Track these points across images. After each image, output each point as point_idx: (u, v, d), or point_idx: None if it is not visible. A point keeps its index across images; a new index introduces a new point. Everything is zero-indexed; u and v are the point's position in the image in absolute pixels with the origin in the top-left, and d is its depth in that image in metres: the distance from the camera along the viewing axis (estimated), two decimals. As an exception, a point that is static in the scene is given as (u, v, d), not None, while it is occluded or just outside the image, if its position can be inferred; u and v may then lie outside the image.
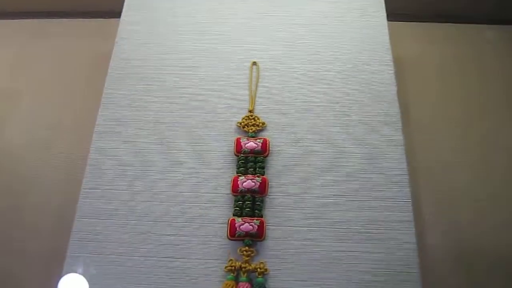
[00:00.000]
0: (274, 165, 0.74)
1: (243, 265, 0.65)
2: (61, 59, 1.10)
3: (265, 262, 0.66)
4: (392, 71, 0.83)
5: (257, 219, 0.68)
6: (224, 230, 0.68)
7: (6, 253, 0.87)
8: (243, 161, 0.73)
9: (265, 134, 0.77)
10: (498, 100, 0.96)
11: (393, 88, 0.81)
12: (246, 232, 0.66)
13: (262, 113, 0.79)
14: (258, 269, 0.65)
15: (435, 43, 1.04)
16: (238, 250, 0.66)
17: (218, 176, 0.73)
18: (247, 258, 0.65)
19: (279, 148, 0.75)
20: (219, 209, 0.70)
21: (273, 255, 0.67)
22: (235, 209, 0.69)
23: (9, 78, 1.08)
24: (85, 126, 0.93)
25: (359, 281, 0.65)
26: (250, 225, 0.67)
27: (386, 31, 0.87)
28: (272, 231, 0.68)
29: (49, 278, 0.71)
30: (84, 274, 0.66)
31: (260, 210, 0.69)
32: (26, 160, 0.97)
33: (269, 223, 0.69)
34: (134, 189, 0.72)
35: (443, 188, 0.87)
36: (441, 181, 0.88)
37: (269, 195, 0.71)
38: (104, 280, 0.65)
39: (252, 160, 0.72)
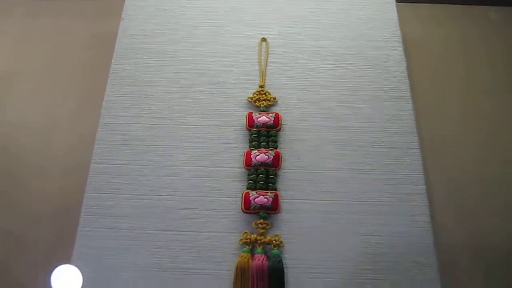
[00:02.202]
0: (287, 139, 0.72)
1: (258, 238, 0.63)
2: (62, 40, 1.06)
3: (280, 234, 0.64)
4: (401, 47, 0.81)
5: (271, 192, 0.66)
6: (238, 204, 0.66)
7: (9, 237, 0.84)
8: (255, 135, 0.71)
9: (276, 109, 0.75)
10: (502, 79, 0.96)
11: (403, 64, 0.79)
12: (260, 205, 0.65)
13: (273, 89, 0.77)
14: (274, 242, 0.63)
15: (440, 24, 1.03)
16: (253, 223, 0.64)
17: (230, 150, 0.71)
18: (262, 231, 0.64)
19: (290, 123, 0.73)
20: (232, 183, 0.68)
21: (288, 227, 0.65)
22: (249, 183, 0.67)
23: (10, 60, 1.04)
24: (89, 105, 0.91)
25: (372, 253, 0.63)
26: (265, 198, 0.65)
27: (395, 9, 0.86)
28: (287, 204, 0.67)
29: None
30: (96, 249, 0.64)
31: (274, 184, 0.67)
32: (28, 141, 0.94)
33: (283, 197, 0.67)
34: (145, 164, 0.70)
35: (450, 164, 0.86)
36: (448, 157, 0.87)
37: (283, 169, 0.69)
38: (117, 254, 0.63)
39: (264, 134, 0.71)
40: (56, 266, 0.61)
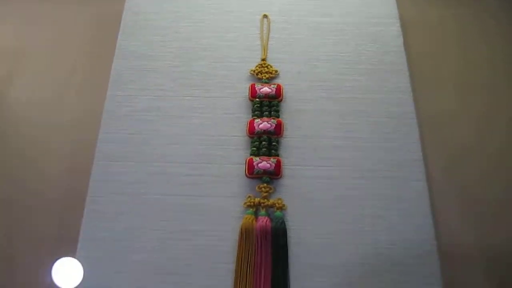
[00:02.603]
0: (288, 109, 0.74)
1: (261, 201, 0.66)
2: (69, 19, 1.07)
3: (282, 198, 0.67)
4: (398, 24, 0.84)
5: (273, 158, 0.68)
6: (242, 169, 0.68)
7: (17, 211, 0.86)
8: (258, 105, 0.73)
9: (277, 81, 0.77)
10: (496, 57, 0.98)
11: (400, 39, 0.82)
12: (264, 170, 0.67)
13: (274, 62, 0.79)
14: (276, 205, 0.66)
15: (435, 4, 1.05)
16: (256, 188, 0.67)
17: (234, 120, 0.73)
18: (265, 194, 0.66)
19: (292, 94, 0.76)
20: (236, 151, 0.70)
21: (290, 192, 0.67)
22: (252, 149, 0.69)
23: (16, 38, 1.06)
24: (96, 81, 0.93)
25: (371, 214, 0.66)
26: (268, 163, 0.67)
27: (392, -13, 0.88)
28: (288, 170, 0.69)
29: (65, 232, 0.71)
30: (104, 213, 0.66)
31: (276, 150, 0.70)
32: (37, 118, 0.96)
33: (285, 163, 0.69)
34: (151, 134, 0.72)
35: (447, 137, 0.88)
36: (445, 132, 0.89)
37: (284, 137, 0.72)
38: (125, 218, 0.65)
39: (266, 104, 0.73)
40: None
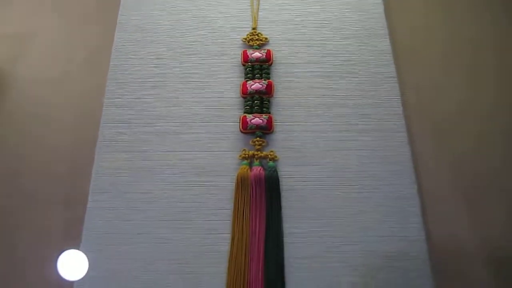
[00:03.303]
0: (278, 72, 0.80)
1: (255, 153, 0.71)
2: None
3: (274, 150, 0.72)
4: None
5: (265, 115, 0.74)
6: (236, 126, 0.74)
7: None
8: (250, 68, 0.79)
9: (268, 48, 0.82)
10: (481, 28, 1.03)
11: (380, 7, 0.87)
12: (256, 125, 0.73)
13: (264, 31, 0.84)
14: (269, 156, 0.71)
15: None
16: (250, 142, 0.72)
17: (228, 82, 0.79)
18: (258, 147, 0.72)
19: (281, 59, 0.81)
20: (231, 110, 0.76)
21: (281, 145, 0.73)
22: (246, 108, 0.75)
23: (22, 22, 1.11)
24: (99, 56, 0.97)
25: (356, 163, 0.72)
26: (260, 119, 0.73)
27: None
28: (279, 125, 0.75)
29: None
30: (110, 169, 0.72)
31: (268, 108, 0.75)
32: (43, 95, 1.01)
33: (276, 120, 0.75)
34: (152, 97, 0.77)
35: (433, 107, 0.93)
36: (431, 102, 0.93)
37: (275, 97, 0.77)
38: (129, 172, 0.71)
39: (258, 68, 0.78)
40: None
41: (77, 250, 0.67)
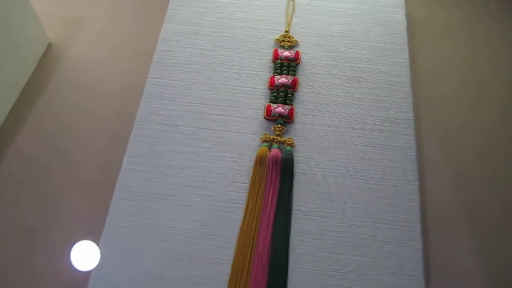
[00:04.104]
0: (304, 72, 0.88)
1: (275, 138, 0.79)
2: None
3: (293, 138, 0.80)
4: (403, 12, 0.97)
5: (288, 106, 0.82)
6: (261, 114, 0.83)
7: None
8: (279, 65, 0.87)
9: (297, 49, 0.91)
10: (496, 53, 1.10)
11: (403, 25, 0.95)
12: (279, 113, 0.81)
13: (295, 35, 0.93)
14: (287, 141, 0.79)
15: (443, 6, 1.19)
16: (272, 127, 0.81)
17: (258, 76, 0.87)
18: (279, 133, 0.80)
19: (308, 60, 0.90)
20: (258, 99, 0.85)
21: (299, 134, 0.81)
22: (271, 98, 0.83)
23: (78, 7, 1.24)
24: (145, 44, 1.08)
25: (364, 157, 0.79)
26: (283, 109, 0.81)
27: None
28: (300, 117, 0.83)
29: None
30: (147, 137, 0.81)
31: (291, 101, 0.83)
32: (94, 72, 1.12)
33: (297, 111, 0.83)
34: (190, 82, 0.87)
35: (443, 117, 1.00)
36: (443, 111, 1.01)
37: (299, 92, 0.85)
38: (163, 142, 0.80)
39: (286, 65, 0.87)
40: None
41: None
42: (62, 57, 1.14)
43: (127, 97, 1.01)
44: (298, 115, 0.83)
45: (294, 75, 0.86)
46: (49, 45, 1.16)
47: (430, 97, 1.02)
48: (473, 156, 0.96)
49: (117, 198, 0.75)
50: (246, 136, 0.81)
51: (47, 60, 1.12)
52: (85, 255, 0.75)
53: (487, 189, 0.96)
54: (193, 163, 0.78)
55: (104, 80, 1.09)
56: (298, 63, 0.88)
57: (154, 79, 0.88)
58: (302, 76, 0.88)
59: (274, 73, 0.87)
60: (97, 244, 0.71)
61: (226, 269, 0.69)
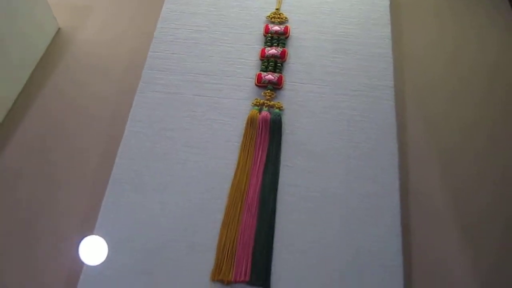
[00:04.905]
0: (292, 44, 0.95)
1: (265, 102, 0.86)
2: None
3: (282, 102, 0.87)
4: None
5: (277, 74, 0.89)
6: (253, 82, 0.89)
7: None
8: (269, 38, 0.94)
9: (286, 25, 0.98)
10: (481, 40, 1.16)
11: (386, 2, 1.01)
12: (269, 80, 0.88)
13: (285, 12, 1.00)
14: (276, 105, 0.86)
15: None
16: (262, 93, 0.87)
17: (250, 48, 0.94)
18: (268, 98, 0.86)
19: (296, 34, 0.96)
20: (250, 69, 0.91)
21: (288, 99, 0.87)
22: (262, 67, 0.90)
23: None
24: (147, 25, 1.16)
25: (348, 119, 0.85)
26: (272, 76, 0.88)
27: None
28: (288, 84, 0.89)
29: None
30: (148, 103, 0.88)
31: (280, 69, 0.90)
32: (98, 53, 1.20)
33: (286, 79, 0.90)
34: (187, 55, 0.94)
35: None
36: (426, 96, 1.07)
37: (287, 62, 0.92)
38: (162, 107, 0.86)
39: (276, 38, 0.94)
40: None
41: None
42: (71, 41, 1.22)
43: (130, 75, 1.08)
44: (287, 82, 0.90)
45: (284, 47, 0.93)
46: (59, 30, 1.24)
47: (416, 77, 1.08)
48: (458, 135, 1.02)
49: (121, 157, 0.82)
50: (239, 101, 0.87)
51: (57, 44, 1.21)
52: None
53: (470, 167, 1.01)
54: (190, 126, 0.85)
55: (110, 60, 1.17)
56: (287, 36, 0.95)
57: (154, 53, 0.95)
58: (291, 48, 0.94)
59: (265, 45, 0.94)
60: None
61: (219, 217, 0.75)
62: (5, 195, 0.97)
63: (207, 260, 0.71)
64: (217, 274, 0.70)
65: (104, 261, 0.71)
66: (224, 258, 0.71)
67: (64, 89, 1.14)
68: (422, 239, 0.90)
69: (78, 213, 0.94)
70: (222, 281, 0.69)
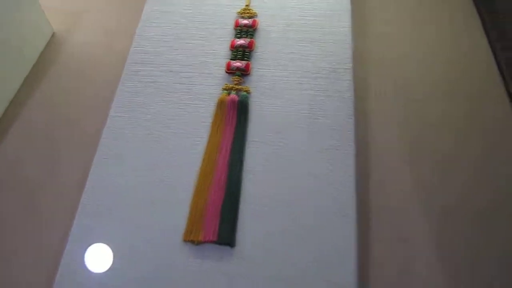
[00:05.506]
0: (260, 35, 1.05)
1: (233, 86, 0.95)
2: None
3: (249, 87, 0.96)
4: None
5: (245, 61, 0.99)
6: (223, 69, 0.99)
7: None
8: (239, 31, 1.04)
9: (255, 19, 1.08)
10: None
11: (348, 6, 1.11)
12: (237, 67, 0.97)
13: (255, 8, 1.10)
14: (244, 89, 0.95)
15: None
16: (231, 78, 0.97)
17: (221, 41, 1.04)
18: (236, 83, 0.96)
19: (264, 27, 1.06)
20: (221, 59, 1.01)
21: (255, 84, 0.97)
22: (231, 56, 1.00)
23: (76, 2, 1.44)
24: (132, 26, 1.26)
25: (310, 97, 0.94)
26: (240, 63, 0.98)
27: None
28: (255, 71, 0.99)
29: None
30: (131, 95, 0.98)
31: (248, 58, 1.00)
32: (89, 51, 1.31)
33: (253, 66, 0.99)
34: (165, 48, 1.04)
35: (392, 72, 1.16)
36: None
37: (255, 52, 1.02)
38: (144, 96, 0.96)
39: (245, 31, 1.04)
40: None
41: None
42: (64, 44, 1.33)
43: (118, 71, 1.19)
44: (255, 69, 0.99)
45: (252, 38, 1.03)
46: (53, 34, 1.35)
47: (376, 60, 1.18)
48: (418, 101, 1.12)
49: (104, 138, 0.92)
50: (211, 87, 0.97)
51: (52, 46, 1.32)
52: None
53: (430, 130, 1.10)
54: (167, 110, 0.94)
55: (102, 63, 1.28)
56: (255, 28, 1.05)
57: (136, 49, 1.05)
58: (259, 39, 1.04)
59: (235, 37, 1.03)
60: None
61: (193, 186, 0.84)
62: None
63: (181, 224, 0.80)
64: (188, 235, 0.79)
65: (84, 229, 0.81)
66: (195, 221, 0.80)
67: (62, 83, 1.25)
68: (379, 190, 0.99)
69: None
70: (193, 241, 0.78)
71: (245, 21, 1.05)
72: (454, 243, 0.97)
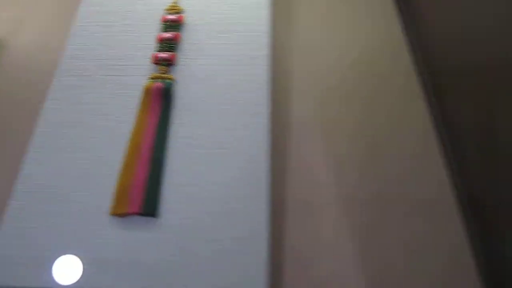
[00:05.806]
0: (188, 29, 1.14)
1: (159, 75, 1.04)
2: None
3: (174, 76, 1.05)
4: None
5: (171, 53, 1.07)
6: (149, 61, 1.08)
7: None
8: (165, 26, 1.13)
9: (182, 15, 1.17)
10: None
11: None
12: (163, 58, 1.06)
13: (182, 5, 1.20)
14: (169, 77, 1.04)
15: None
16: (158, 68, 1.06)
17: (150, 35, 1.12)
18: (162, 72, 1.05)
19: (190, 22, 1.15)
20: (148, 51, 1.09)
21: (180, 74, 1.06)
22: (158, 49, 1.09)
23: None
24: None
25: (227, 84, 1.03)
26: (166, 55, 1.06)
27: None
28: (182, 61, 1.08)
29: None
30: (68, 87, 1.05)
31: (174, 50, 1.09)
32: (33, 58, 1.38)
33: (179, 58, 1.08)
34: (102, 45, 1.12)
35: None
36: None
37: (182, 44, 1.11)
38: (81, 87, 1.04)
39: (171, 25, 1.13)
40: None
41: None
42: (6, 49, 1.40)
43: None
44: (180, 59, 1.08)
45: (177, 31, 1.12)
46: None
47: (298, 46, 1.28)
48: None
49: (40, 127, 0.99)
50: (139, 77, 1.05)
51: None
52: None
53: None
54: (99, 99, 1.02)
55: (44, 62, 1.35)
56: (181, 23, 1.14)
57: (71, 46, 1.13)
58: (185, 32, 1.13)
59: (161, 31, 1.12)
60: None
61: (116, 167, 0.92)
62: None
63: (108, 200, 0.88)
64: (115, 209, 0.87)
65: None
66: (121, 196, 0.88)
67: (7, 88, 1.32)
68: (295, 162, 1.10)
69: None
70: (119, 215, 0.86)
71: (172, 17, 1.14)
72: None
